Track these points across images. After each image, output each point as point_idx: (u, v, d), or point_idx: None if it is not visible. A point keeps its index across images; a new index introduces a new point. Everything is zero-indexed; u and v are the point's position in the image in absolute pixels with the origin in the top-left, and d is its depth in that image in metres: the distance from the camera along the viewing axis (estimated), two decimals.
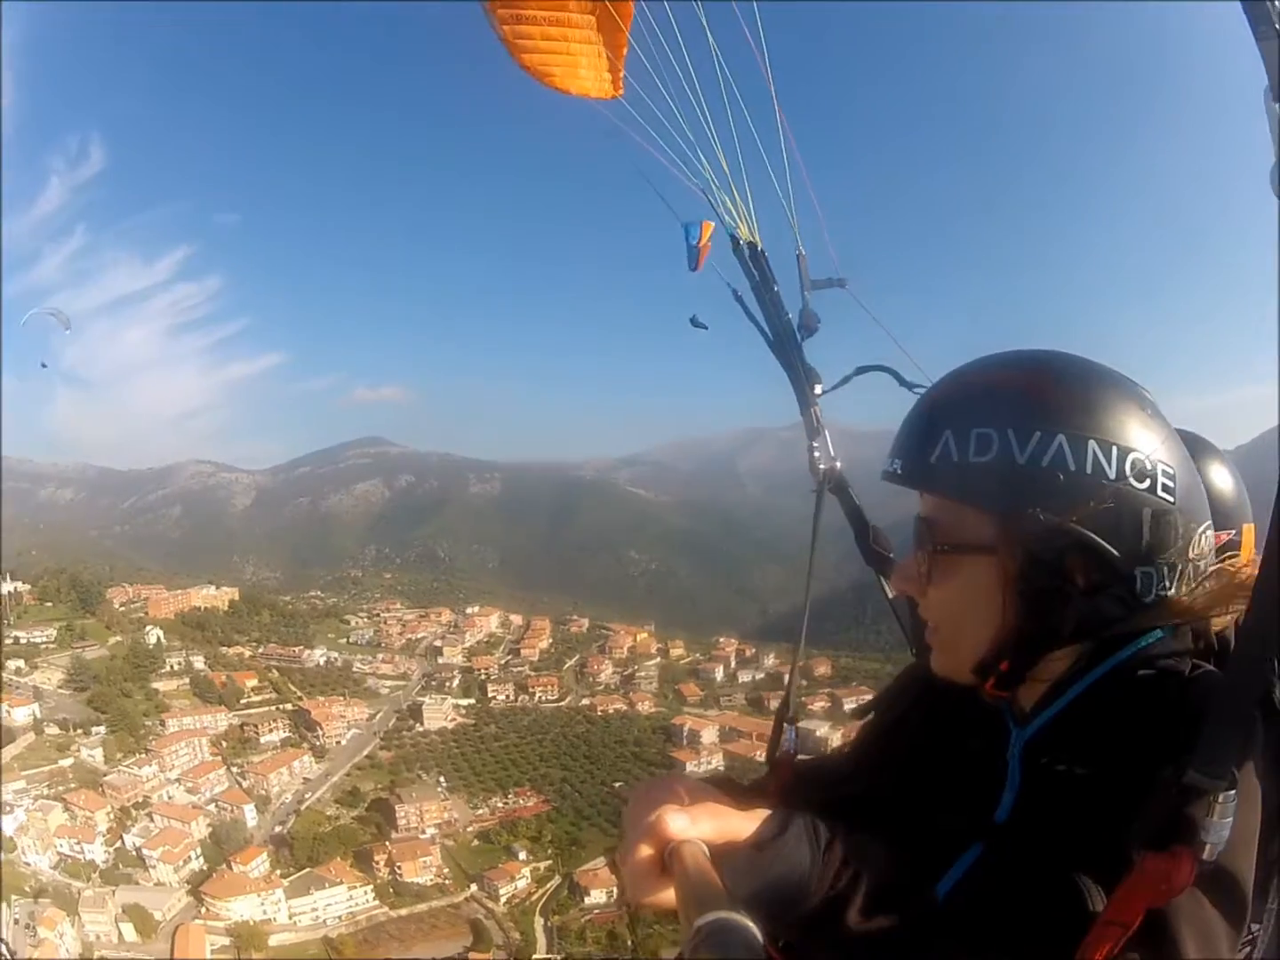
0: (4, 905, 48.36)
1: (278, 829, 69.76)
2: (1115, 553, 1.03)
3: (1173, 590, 1.07)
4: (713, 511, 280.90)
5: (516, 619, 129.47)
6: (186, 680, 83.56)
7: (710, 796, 0.95)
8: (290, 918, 59.38)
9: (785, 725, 1.56)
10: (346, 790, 78.38)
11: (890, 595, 2.00)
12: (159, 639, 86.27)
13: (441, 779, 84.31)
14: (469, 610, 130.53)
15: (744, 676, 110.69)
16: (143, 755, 70.20)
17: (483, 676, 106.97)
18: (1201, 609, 1.08)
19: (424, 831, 73.54)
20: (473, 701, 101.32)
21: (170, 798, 68.00)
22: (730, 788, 1.16)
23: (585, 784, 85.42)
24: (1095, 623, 1.06)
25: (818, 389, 2.37)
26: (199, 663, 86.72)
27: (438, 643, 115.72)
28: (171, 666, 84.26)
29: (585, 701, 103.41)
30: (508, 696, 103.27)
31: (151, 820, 64.09)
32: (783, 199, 2.49)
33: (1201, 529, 1.10)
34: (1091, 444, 1.03)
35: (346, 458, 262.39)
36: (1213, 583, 1.10)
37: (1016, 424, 1.05)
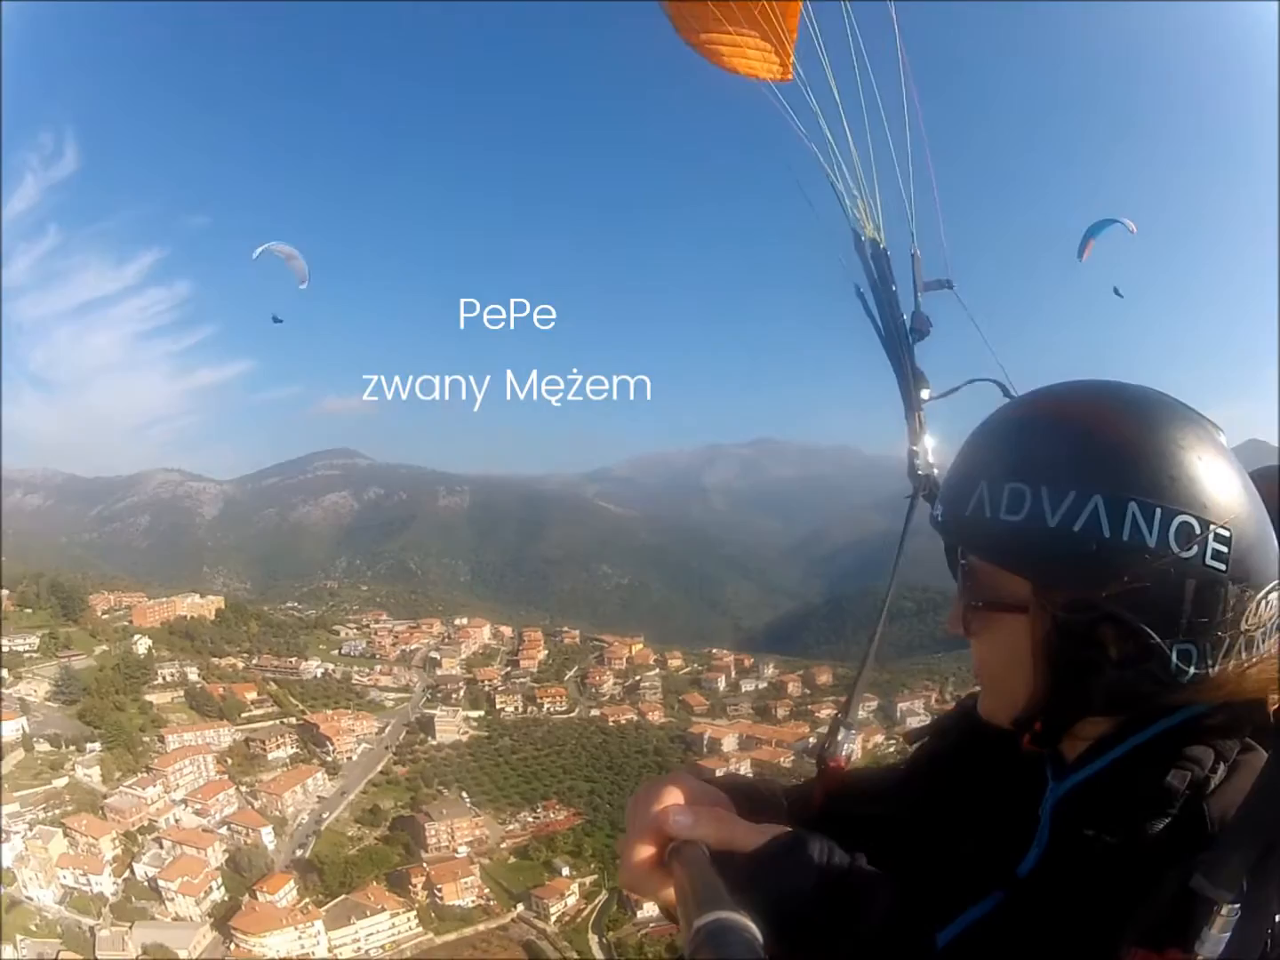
0: (7, 947, 41.20)
1: (299, 852, 62.93)
2: (1148, 630, 0.94)
3: (1215, 667, 0.97)
4: (681, 528, 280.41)
5: (506, 630, 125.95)
6: (181, 693, 75.61)
7: (716, 801, 0.92)
8: (330, 950, 52.88)
9: (842, 729, 1.52)
10: (366, 809, 71.79)
11: None
12: (149, 649, 78.12)
13: (464, 794, 78.59)
14: (458, 621, 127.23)
15: (746, 686, 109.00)
16: (144, 774, 62.37)
17: (488, 688, 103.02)
18: (1251, 688, 0.99)
19: (456, 850, 67.87)
20: (482, 713, 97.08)
21: (178, 821, 60.51)
22: (740, 790, 1.08)
23: (614, 795, 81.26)
24: (1126, 696, 0.99)
25: (924, 394, 2.33)
26: (193, 674, 78.81)
27: (434, 654, 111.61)
28: (164, 678, 76.11)
29: (595, 713, 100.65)
30: (516, 708, 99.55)
31: (160, 847, 56.74)
32: (904, 197, 2.51)
33: (1262, 595, 0.98)
34: (1132, 506, 0.93)
35: (315, 468, 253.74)
36: (1273, 657, 1.00)
37: (1051, 480, 0.96)
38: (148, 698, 72.24)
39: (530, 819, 76.86)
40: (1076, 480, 0.94)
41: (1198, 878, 0.80)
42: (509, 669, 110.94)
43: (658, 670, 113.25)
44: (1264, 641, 0.98)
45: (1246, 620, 0.96)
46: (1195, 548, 0.93)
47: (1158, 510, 0.92)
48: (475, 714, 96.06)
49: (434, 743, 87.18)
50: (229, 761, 69.98)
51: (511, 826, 75.17)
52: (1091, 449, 0.95)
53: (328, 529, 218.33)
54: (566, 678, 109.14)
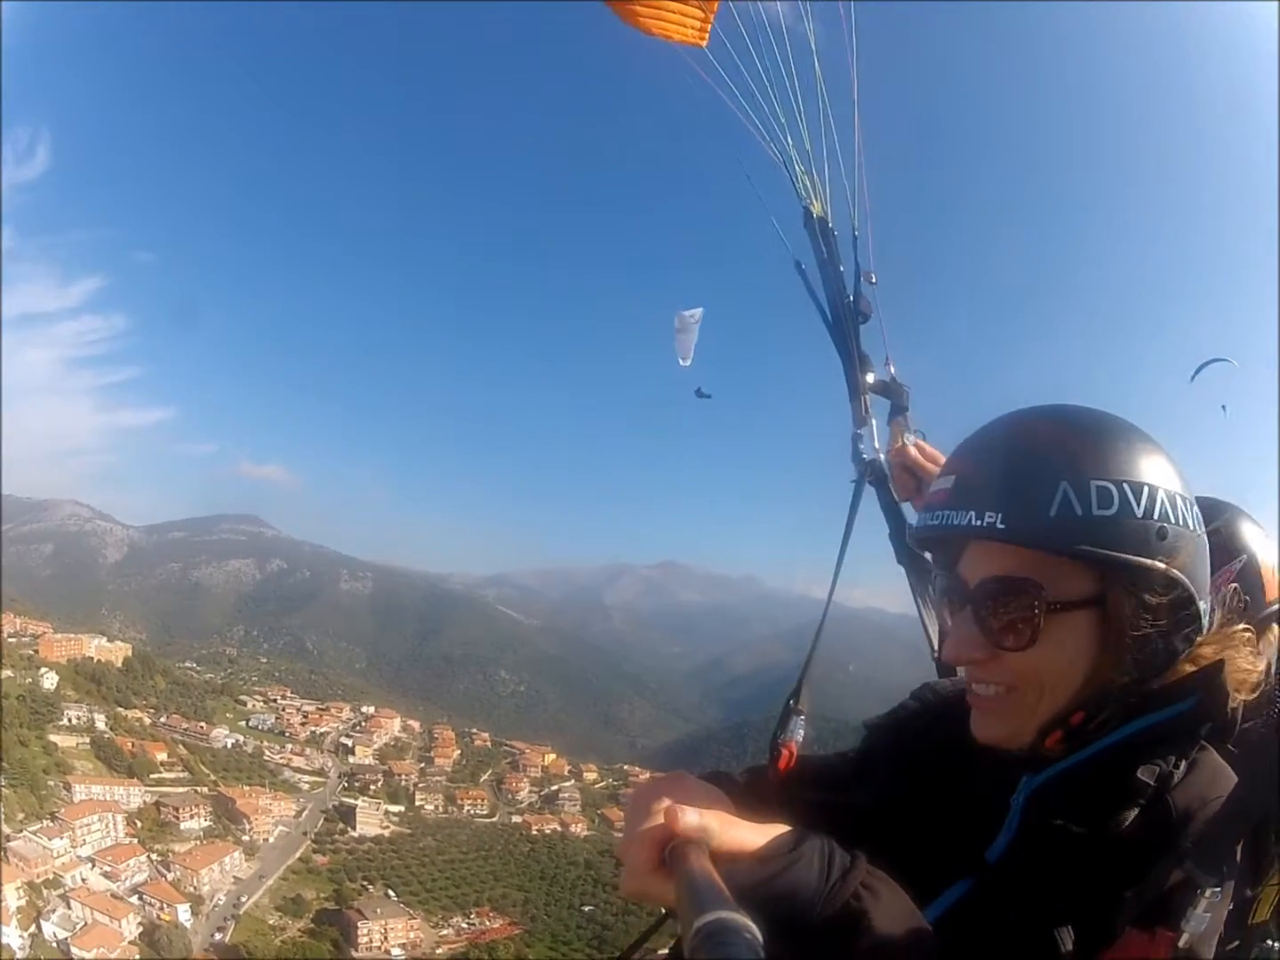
0: None
1: (218, 935, 54.68)
2: (1195, 593, 1.04)
3: (1210, 625, 1.08)
4: (580, 641, 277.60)
5: (415, 724, 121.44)
6: (87, 739, 66.24)
7: (719, 803, 0.92)
8: None
9: (793, 715, 1.57)
10: (288, 897, 63.65)
11: (921, 596, 2.04)
12: (56, 685, 68.55)
13: (390, 892, 71.06)
14: (365, 709, 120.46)
15: None
16: (49, 823, 53.34)
17: (405, 783, 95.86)
18: (1214, 650, 1.08)
19: (389, 952, 60.71)
20: (403, 809, 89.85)
21: (85, 880, 51.68)
22: (730, 786, 1.10)
23: (551, 906, 76.15)
24: (1166, 660, 1.06)
25: (869, 377, 2.32)
26: (100, 721, 69.43)
27: (345, 739, 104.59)
28: (70, 720, 66.67)
29: (516, 819, 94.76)
30: (437, 807, 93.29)
31: (69, 907, 48.16)
32: (845, 180, 2.50)
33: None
34: (1178, 499, 1.04)
35: (221, 530, 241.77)
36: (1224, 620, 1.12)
37: (1130, 477, 1.03)
38: (52, 738, 62.84)
39: (465, 925, 70.15)
40: (1146, 477, 1.04)
41: (1189, 864, 0.89)
42: (424, 765, 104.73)
43: (573, 782, 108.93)
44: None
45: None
46: (1194, 522, 1.07)
47: (1179, 499, 1.04)
48: (396, 809, 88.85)
49: (354, 834, 79.32)
50: (139, 824, 61.01)
51: (445, 931, 68.10)
52: (1148, 453, 1.06)
53: (228, 594, 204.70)
54: (482, 780, 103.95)
